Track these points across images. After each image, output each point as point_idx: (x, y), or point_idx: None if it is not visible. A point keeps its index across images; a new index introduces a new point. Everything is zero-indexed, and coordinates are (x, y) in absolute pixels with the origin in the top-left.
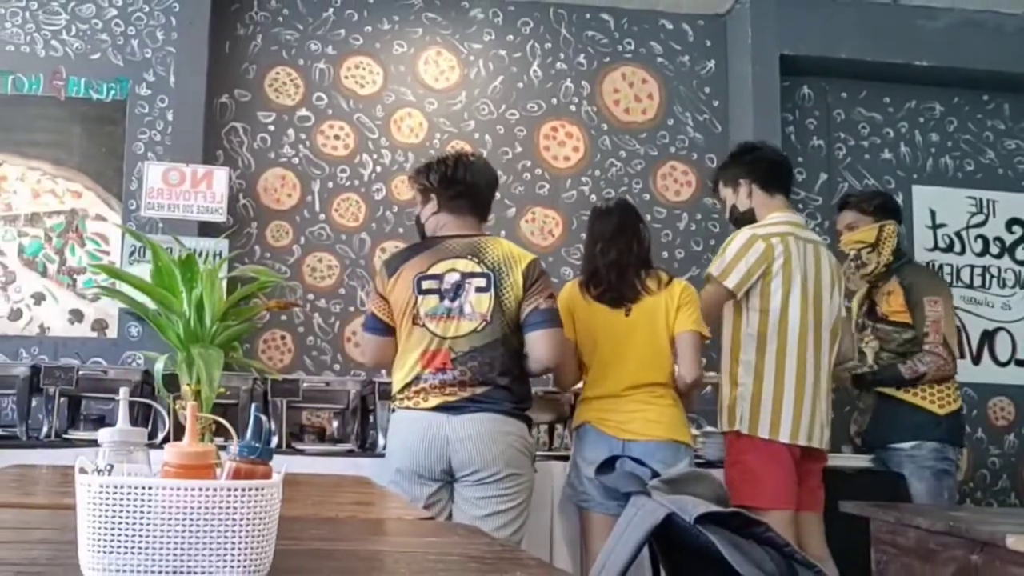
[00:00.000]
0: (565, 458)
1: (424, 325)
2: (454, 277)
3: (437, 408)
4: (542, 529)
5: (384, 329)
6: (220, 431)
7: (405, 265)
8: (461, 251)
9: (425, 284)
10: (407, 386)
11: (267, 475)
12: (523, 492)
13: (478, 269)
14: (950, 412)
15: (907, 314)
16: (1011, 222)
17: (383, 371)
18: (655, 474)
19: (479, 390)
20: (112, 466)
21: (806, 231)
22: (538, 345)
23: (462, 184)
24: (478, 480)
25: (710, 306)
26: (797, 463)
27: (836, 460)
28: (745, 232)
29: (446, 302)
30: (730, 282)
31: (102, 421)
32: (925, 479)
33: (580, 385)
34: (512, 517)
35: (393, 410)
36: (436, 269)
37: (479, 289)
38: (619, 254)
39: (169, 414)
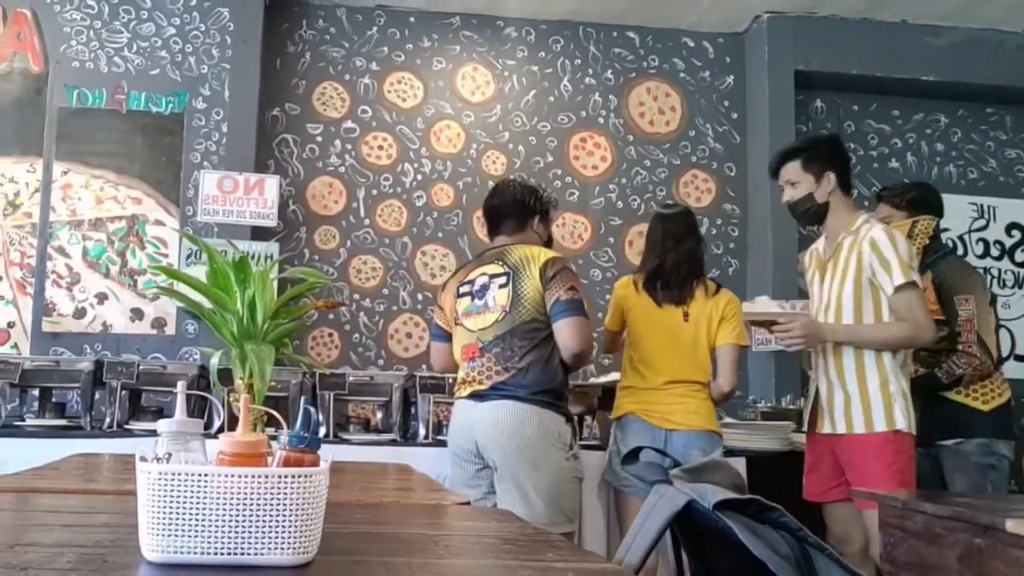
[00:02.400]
0: (593, 447)
1: (462, 324)
2: (483, 280)
3: (469, 396)
4: None
5: (443, 336)
6: (271, 422)
7: (452, 278)
8: (490, 258)
9: (462, 289)
10: (458, 379)
11: (315, 463)
12: (541, 480)
13: (500, 270)
14: (996, 407)
15: (940, 311)
16: (1011, 226)
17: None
18: (676, 463)
19: (502, 377)
20: (170, 455)
21: None
22: (562, 333)
23: (490, 210)
24: (497, 467)
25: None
26: None
27: None
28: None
29: (475, 301)
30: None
31: (161, 412)
32: (968, 473)
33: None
34: (532, 506)
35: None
36: (471, 276)
37: (500, 285)
38: (685, 255)
39: (223, 406)
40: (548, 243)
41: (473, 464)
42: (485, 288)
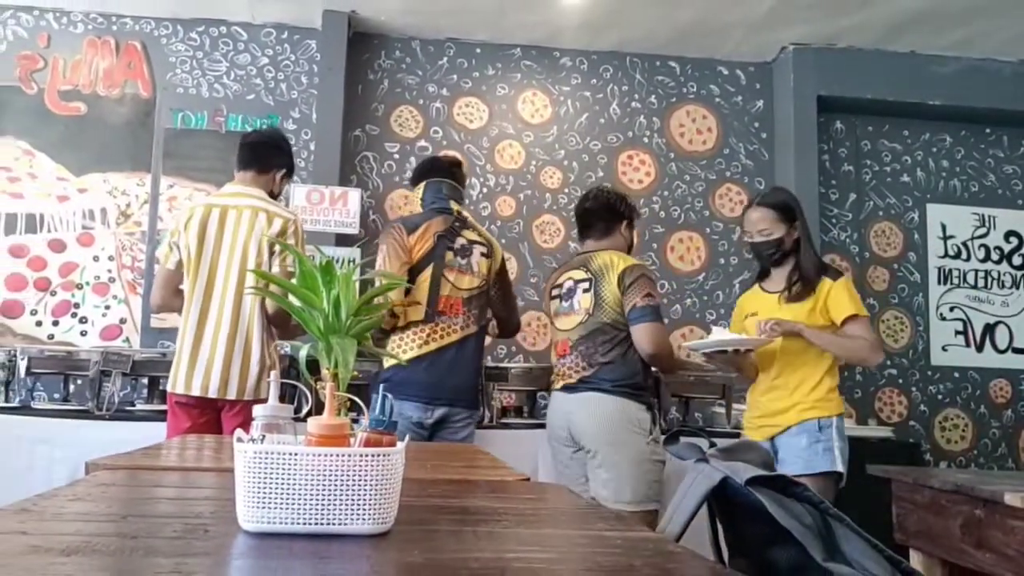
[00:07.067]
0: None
1: (554, 324)
2: (569, 284)
3: (562, 389)
4: None
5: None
6: (353, 407)
7: (549, 280)
8: (576, 264)
9: (553, 292)
10: (552, 372)
11: (392, 444)
12: (624, 461)
13: (584, 276)
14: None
15: None
16: (1009, 234)
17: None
18: (712, 444)
19: (588, 372)
20: (264, 436)
21: None
22: (638, 336)
23: (583, 213)
24: (589, 450)
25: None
26: None
27: (863, 431)
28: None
29: (564, 303)
30: None
31: None
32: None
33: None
34: (619, 483)
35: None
36: (560, 280)
37: (584, 290)
38: None
39: (311, 393)
40: (630, 247)
41: (570, 447)
42: (572, 292)
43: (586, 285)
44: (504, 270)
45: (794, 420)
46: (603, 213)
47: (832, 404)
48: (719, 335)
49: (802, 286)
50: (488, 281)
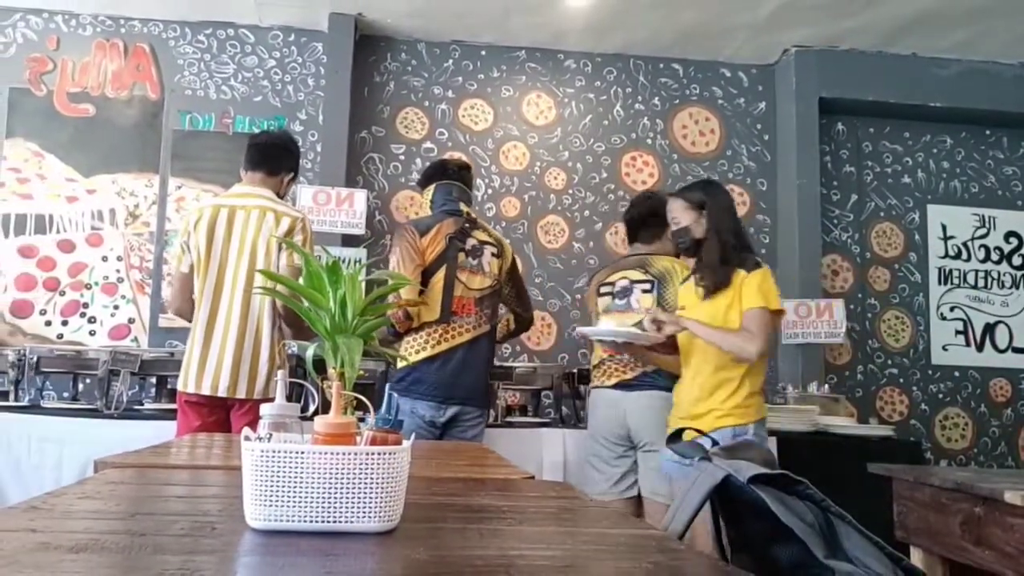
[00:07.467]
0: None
1: (602, 320)
2: (624, 283)
3: (615, 386)
4: None
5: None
6: (360, 406)
7: (595, 277)
8: (632, 265)
9: (603, 289)
10: (595, 367)
11: (398, 442)
12: None
13: (644, 277)
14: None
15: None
16: (1008, 234)
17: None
18: (714, 443)
19: (647, 369)
20: (271, 435)
21: None
22: None
23: (631, 219)
24: (645, 449)
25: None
26: None
27: (864, 430)
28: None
29: (616, 301)
30: None
31: None
32: None
33: None
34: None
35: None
36: (612, 278)
37: (644, 291)
38: None
39: (318, 392)
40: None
41: (619, 446)
42: (627, 291)
43: (647, 286)
44: (515, 268)
45: (708, 427)
46: (649, 219)
47: (751, 411)
48: (607, 325)
49: (706, 279)
50: (499, 280)
